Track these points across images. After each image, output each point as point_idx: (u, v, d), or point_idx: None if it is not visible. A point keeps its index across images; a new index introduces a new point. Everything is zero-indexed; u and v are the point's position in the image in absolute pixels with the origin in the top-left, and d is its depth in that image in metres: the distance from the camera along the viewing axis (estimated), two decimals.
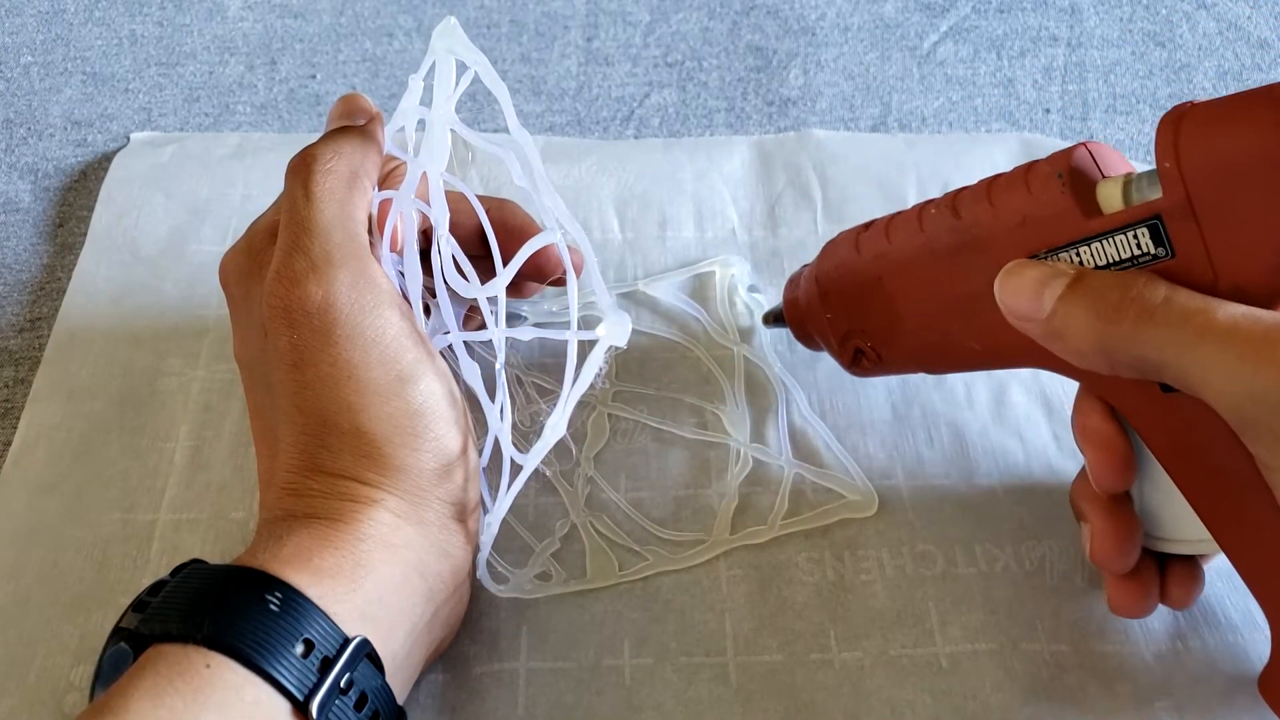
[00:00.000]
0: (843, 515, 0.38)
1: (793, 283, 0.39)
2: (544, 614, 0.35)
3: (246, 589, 0.27)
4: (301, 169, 0.32)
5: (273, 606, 0.26)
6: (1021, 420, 0.40)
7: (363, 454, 0.30)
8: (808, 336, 0.39)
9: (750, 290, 0.44)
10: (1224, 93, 0.26)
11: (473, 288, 0.32)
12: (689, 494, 0.38)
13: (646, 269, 0.45)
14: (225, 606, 0.26)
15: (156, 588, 0.28)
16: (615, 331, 0.30)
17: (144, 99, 0.53)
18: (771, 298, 0.44)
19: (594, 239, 0.46)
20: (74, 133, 0.52)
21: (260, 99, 0.53)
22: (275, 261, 0.31)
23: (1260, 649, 0.34)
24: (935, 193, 0.47)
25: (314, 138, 0.34)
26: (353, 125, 0.34)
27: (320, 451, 0.30)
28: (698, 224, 0.47)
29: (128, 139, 0.51)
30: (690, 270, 0.45)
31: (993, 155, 0.49)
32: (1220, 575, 0.35)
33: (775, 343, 0.43)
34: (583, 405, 0.40)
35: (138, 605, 0.28)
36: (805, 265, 0.39)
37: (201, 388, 0.41)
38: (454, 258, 0.33)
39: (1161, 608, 0.34)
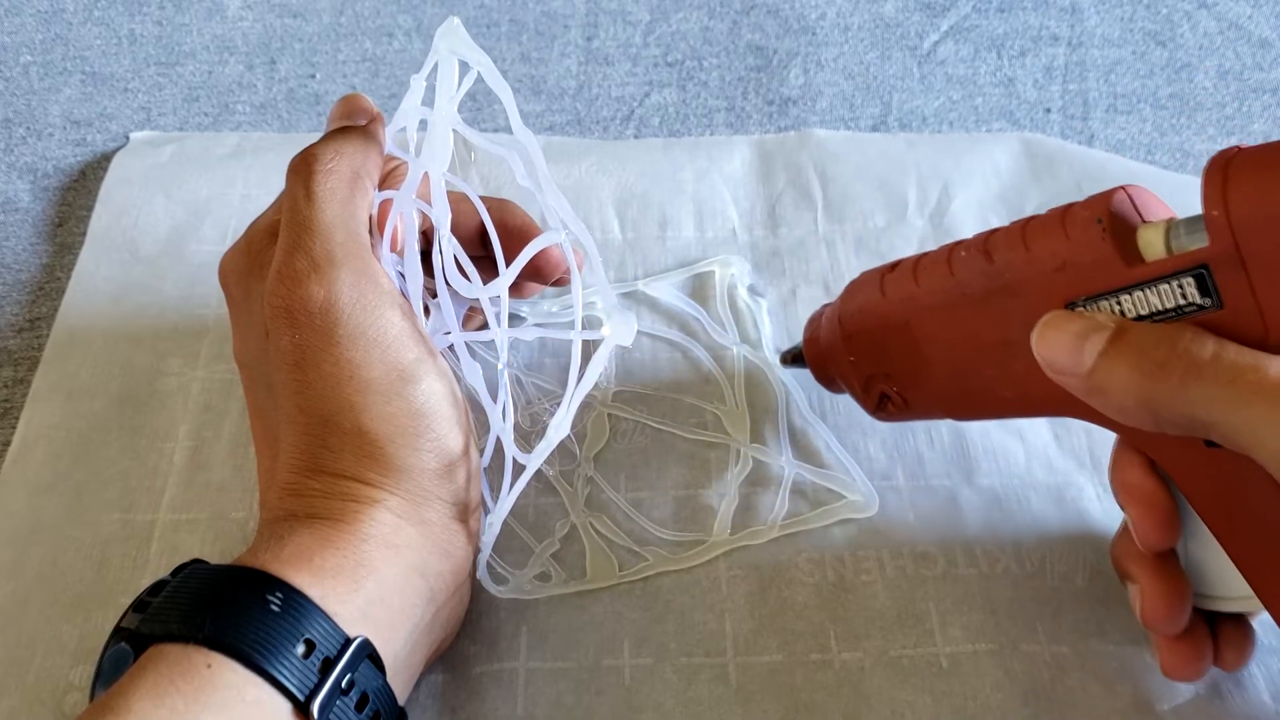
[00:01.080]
0: (843, 515, 0.38)
1: (813, 322, 0.38)
2: (544, 614, 0.35)
3: (247, 589, 0.27)
4: (302, 169, 0.32)
5: (274, 607, 0.26)
6: (1022, 421, 0.40)
7: (364, 454, 0.30)
8: (829, 379, 0.38)
9: (750, 290, 0.44)
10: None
11: (475, 287, 0.32)
12: (689, 494, 0.38)
13: (646, 269, 0.45)
14: (226, 606, 0.26)
15: (157, 588, 0.28)
16: (621, 331, 0.30)
17: (143, 99, 0.53)
18: (772, 298, 0.44)
19: (594, 239, 0.46)
20: (73, 132, 0.51)
21: (260, 99, 0.53)
22: (276, 261, 0.31)
23: (1257, 653, 0.34)
24: (935, 192, 0.47)
25: (314, 138, 0.34)
26: (354, 125, 0.34)
27: (321, 451, 0.30)
28: (698, 224, 0.47)
29: (127, 139, 0.51)
30: (690, 270, 0.45)
31: (993, 155, 0.49)
32: None
33: (776, 343, 0.43)
34: (583, 405, 0.40)
35: (138, 605, 0.28)
36: (826, 304, 0.38)
37: (201, 388, 0.41)
38: (455, 258, 0.33)
39: None
